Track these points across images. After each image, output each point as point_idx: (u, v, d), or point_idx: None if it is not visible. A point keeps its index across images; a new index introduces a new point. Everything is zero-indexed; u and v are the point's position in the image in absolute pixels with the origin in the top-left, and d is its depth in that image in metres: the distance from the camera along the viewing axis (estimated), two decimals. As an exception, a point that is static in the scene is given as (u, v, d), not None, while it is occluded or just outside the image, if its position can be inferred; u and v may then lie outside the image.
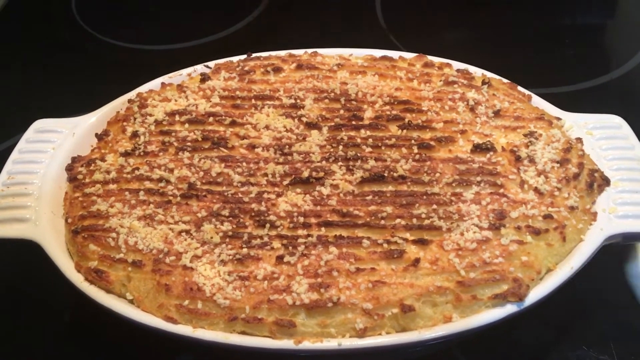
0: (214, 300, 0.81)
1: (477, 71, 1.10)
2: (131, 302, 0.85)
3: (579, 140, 0.98)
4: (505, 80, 1.09)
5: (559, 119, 1.02)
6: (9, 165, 1.01)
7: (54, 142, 1.05)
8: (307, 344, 0.79)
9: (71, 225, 0.92)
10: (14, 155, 1.03)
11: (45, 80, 1.45)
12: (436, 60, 1.12)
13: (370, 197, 0.89)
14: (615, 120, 1.02)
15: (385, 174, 0.90)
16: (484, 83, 1.05)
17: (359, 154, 0.94)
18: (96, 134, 1.05)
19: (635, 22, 1.57)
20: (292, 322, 0.79)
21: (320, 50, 1.14)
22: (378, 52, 1.14)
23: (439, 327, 0.79)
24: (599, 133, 1.00)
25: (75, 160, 1.02)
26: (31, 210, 0.95)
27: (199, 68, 1.15)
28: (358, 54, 1.14)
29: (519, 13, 1.56)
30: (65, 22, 1.60)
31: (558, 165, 0.92)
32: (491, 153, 0.93)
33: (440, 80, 1.05)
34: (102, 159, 0.99)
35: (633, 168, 0.95)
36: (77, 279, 0.87)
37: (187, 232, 0.87)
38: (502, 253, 0.83)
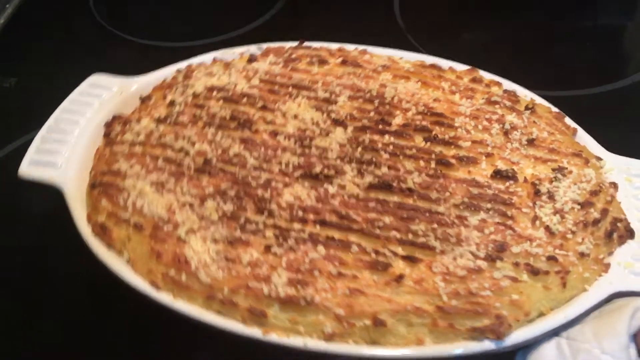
0: (197, 275, 0.82)
1: (527, 95, 1.05)
2: (128, 262, 0.89)
3: (613, 184, 0.91)
4: (554, 110, 1.02)
5: (599, 158, 0.96)
6: (57, 112, 1.07)
7: (101, 98, 1.10)
8: (274, 337, 0.79)
9: (93, 178, 0.97)
10: (64, 104, 1.09)
11: (62, 77, 1.39)
12: (487, 76, 1.07)
13: (373, 204, 0.87)
14: (661, 170, 0.94)
15: (394, 184, 0.88)
16: (527, 108, 1.00)
17: (374, 159, 0.92)
18: (140, 97, 1.09)
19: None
20: (264, 312, 0.80)
21: (370, 49, 1.12)
22: (429, 59, 1.10)
23: (407, 349, 0.78)
24: (638, 181, 0.93)
25: (115, 118, 1.06)
26: (63, 157, 1.00)
27: (253, 48, 1.16)
28: (408, 58, 1.11)
29: (538, 14, 1.50)
30: (83, 19, 1.59)
31: (579, 207, 0.86)
32: (511, 182, 0.89)
33: (483, 98, 1.01)
34: (138, 121, 1.03)
35: (667, 225, 0.88)
36: (87, 232, 0.92)
37: (191, 205, 0.89)
38: (491, 286, 0.79)
